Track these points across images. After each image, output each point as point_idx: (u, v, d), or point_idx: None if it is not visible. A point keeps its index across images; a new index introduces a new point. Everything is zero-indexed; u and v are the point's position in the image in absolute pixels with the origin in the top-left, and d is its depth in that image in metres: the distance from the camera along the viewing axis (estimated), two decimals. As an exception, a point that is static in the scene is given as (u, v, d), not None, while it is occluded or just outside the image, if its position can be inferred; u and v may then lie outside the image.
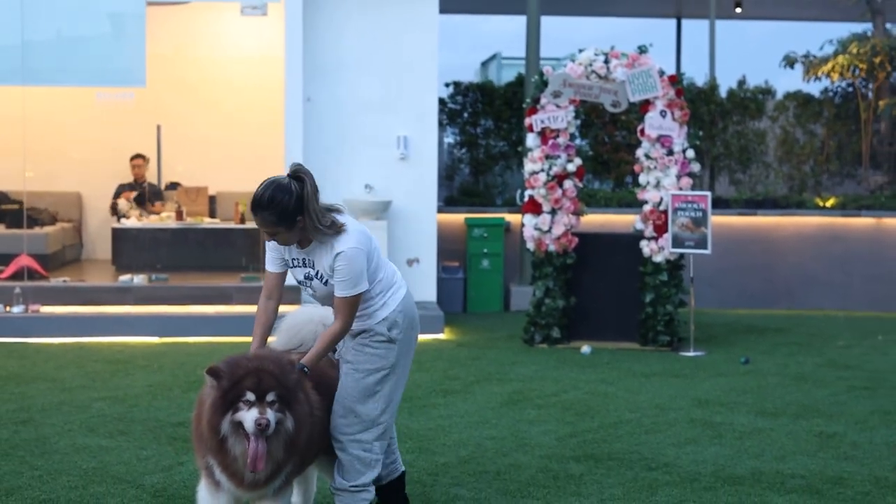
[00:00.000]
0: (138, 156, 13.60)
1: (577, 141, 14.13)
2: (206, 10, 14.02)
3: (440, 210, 13.43)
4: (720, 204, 13.99)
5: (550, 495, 5.63)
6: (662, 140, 10.27)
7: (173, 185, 14.02)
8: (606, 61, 10.34)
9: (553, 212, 10.43)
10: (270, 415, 4.25)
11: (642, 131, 10.37)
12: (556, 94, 10.39)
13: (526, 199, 10.55)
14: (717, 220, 13.48)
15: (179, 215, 12.90)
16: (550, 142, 10.39)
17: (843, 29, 15.92)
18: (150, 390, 8.12)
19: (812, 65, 15.04)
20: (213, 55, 14.27)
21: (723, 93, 15.23)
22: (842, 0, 15.19)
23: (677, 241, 10.12)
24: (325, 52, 11.87)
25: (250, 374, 4.29)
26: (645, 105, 10.34)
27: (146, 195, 13.48)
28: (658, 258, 10.24)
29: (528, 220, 10.49)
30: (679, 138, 10.27)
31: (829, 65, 14.71)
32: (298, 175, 4.57)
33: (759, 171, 15.30)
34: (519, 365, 9.42)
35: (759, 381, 8.78)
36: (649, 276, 10.30)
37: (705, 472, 6.07)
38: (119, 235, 12.69)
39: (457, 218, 13.76)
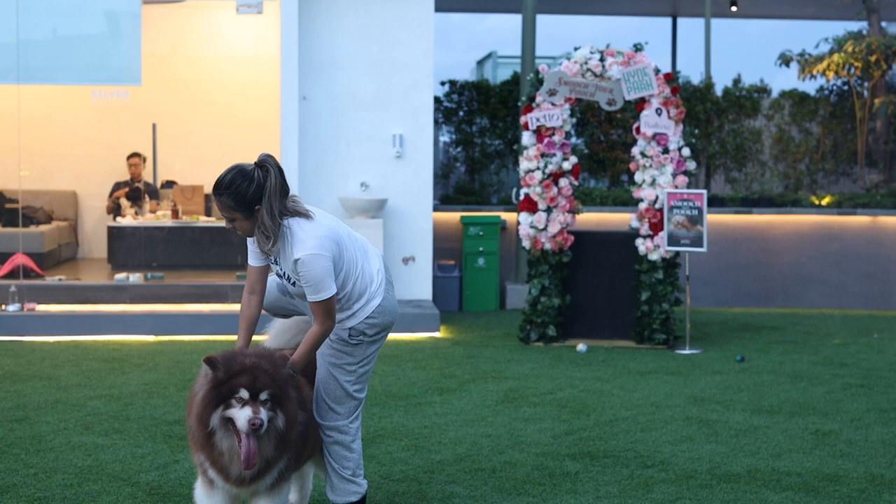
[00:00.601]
0: (135, 154, 13.60)
1: (573, 139, 14.13)
2: (202, 8, 14.02)
3: (436, 208, 13.44)
4: (716, 202, 14.00)
5: (546, 493, 5.63)
6: (658, 138, 10.27)
7: (169, 184, 14.02)
8: (602, 59, 10.34)
9: (549, 210, 10.43)
10: (263, 414, 4.25)
11: (638, 129, 10.38)
12: (552, 93, 10.39)
13: (521, 197, 10.55)
14: (712, 218, 13.51)
15: (175, 214, 12.90)
16: (546, 140, 10.39)
17: (839, 27, 15.97)
18: (146, 389, 8.12)
19: (807, 63, 15.06)
20: (209, 54, 14.27)
21: (718, 91, 15.24)
22: (837, -2, 15.23)
23: (673, 240, 10.13)
24: (320, 50, 11.87)
25: (246, 371, 4.29)
26: (640, 103, 10.34)
27: (141, 193, 13.47)
28: (654, 256, 10.25)
29: (524, 218, 10.49)
30: (675, 136, 10.27)
31: (825, 63, 14.73)
32: (264, 165, 4.53)
33: (754, 170, 15.32)
34: (515, 363, 9.42)
35: (754, 378, 8.79)
36: (645, 274, 10.31)
37: (701, 469, 6.08)
38: (115, 234, 12.69)
39: (452, 216, 13.76)
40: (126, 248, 12.60)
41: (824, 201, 14.34)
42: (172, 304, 11.23)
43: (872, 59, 14.45)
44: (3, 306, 10.81)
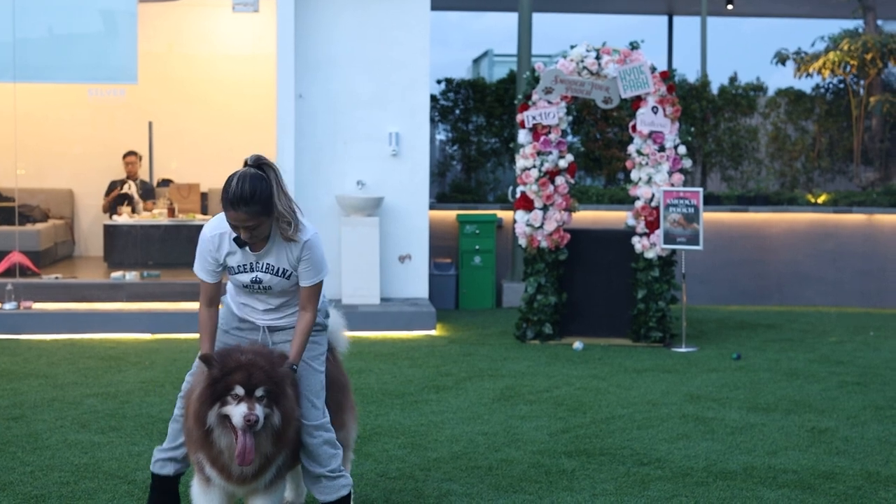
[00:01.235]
0: (131, 153, 13.59)
1: (569, 138, 14.14)
2: (198, 6, 14.00)
3: (432, 207, 13.44)
4: (712, 200, 14.01)
5: (542, 490, 5.63)
6: (654, 136, 10.28)
7: (165, 182, 14.02)
8: (598, 57, 10.34)
9: (545, 208, 10.44)
10: (259, 410, 4.25)
11: (634, 127, 10.38)
12: (548, 90, 10.40)
13: (518, 195, 10.56)
14: (708, 216, 13.52)
15: (171, 212, 12.89)
16: (542, 138, 10.39)
17: (835, 26, 15.98)
18: (143, 387, 8.11)
19: (803, 61, 15.07)
20: (205, 52, 14.26)
21: (714, 89, 15.26)
22: (833, -3, 15.25)
23: (669, 238, 10.14)
24: (316, 48, 11.86)
25: (241, 368, 4.29)
26: (636, 101, 10.35)
27: (136, 191, 13.45)
28: (650, 254, 10.25)
29: (520, 216, 10.49)
30: (671, 134, 10.28)
31: (821, 61, 14.75)
32: (261, 163, 4.60)
33: (750, 168, 15.33)
34: (511, 361, 9.42)
35: (750, 376, 8.80)
36: (641, 272, 10.31)
37: (697, 466, 6.08)
38: (111, 232, 12.68)
39: (449, 214, 13.77)
40: (122, 246, 12.60)
41: (820, 199, 14.35)
42: (169, 302, 11.22)
43: (868, 57, 14.47)
44: (0, 304, 10.80)
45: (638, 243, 10.30)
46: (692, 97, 14.85)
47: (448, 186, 15.11)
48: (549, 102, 10.42)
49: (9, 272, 11.44)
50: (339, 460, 4.85)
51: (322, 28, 11.89)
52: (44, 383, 8.19)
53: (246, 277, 4.71)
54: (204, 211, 13.58)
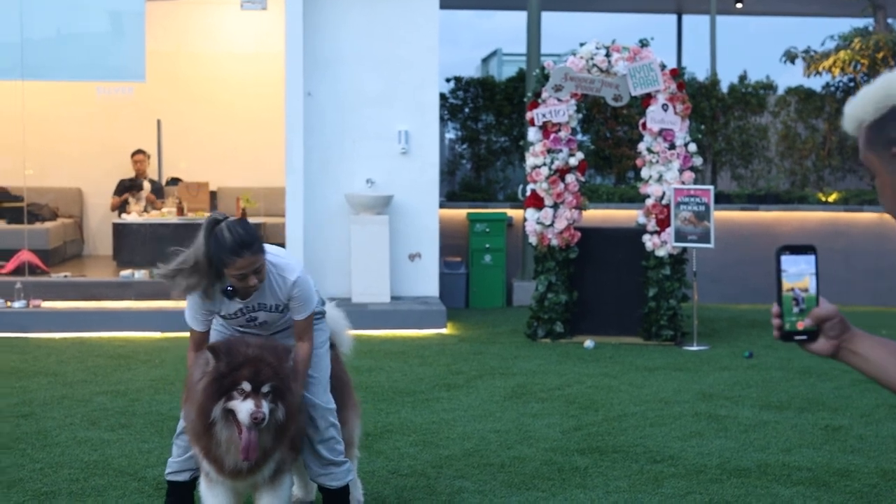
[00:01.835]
0: (139, 151, 13.58)
1: (579, 136, 14.10)
2: (206, 5, 14.00)
3: (442, 205, 13.41)
4: (722, 199, 13.95)
5: (555, 487, 5.60)
6: (664, 134, 10.23)
7: (174, 181, 14.00)
8: (608, 55, 10.30)
9: (555, 206, 10.39)
10: (265, 407, 4.21)
11: (644, 125, 10.34)
12: (558, 88, 10.35)
13: (528, 193, 10.52)
14: (719, 215, 13.44)
15: (180, 210, 12.88)
16: (552, 136, 10.35)
17: (845, 24, 15.90)
18: (152, 385, 8.10)
19: (813, 60, 15.01)
20: (213, 50, 14.25)
21: (724, 88, 15.20)
22: (843, -5, 15.18)
23: (680, 236, 10.09)
24: (325, 46, 11.83)
25: (248, 363, 4.23)
26: (646, 99, 10.30)
27: (140, 189, 13.43)
28: (661, 252, 10.21)
29: (531, 214, 10.46)
30: (681, 132, 10.23)
31: (831, 60, 14.68)
32: (223, 215, 4.64)
33: (760, 167, 15.28)
34: (522, 359, 9.39)
35: (763, 374, 8.75)
36: (652, 270, 10.27)
37: (711, 464, 6.04)
38: (120, 231, 12.67)
39: (459, 213, 13.74)
40: (131, 244, 12.58)
41: (831, 198, 14.30)
42: (178, 300, 11.17)
43: (879, 55, 14.40)
44: (9, 303, 10.79)
45: (649, 241, 10.25)
46: (702, 96, 14.80)
47: (458, 185, 15.08)
48: (559, 100, 10.38)
49: (18, 271, 11.43)
50: (343, 447, 4.87)
51: (330, 26, 11.87)
52: (53, 381, 8.17)
53: (242, 320, 4.72)
54: (213, 209, 13.56)
